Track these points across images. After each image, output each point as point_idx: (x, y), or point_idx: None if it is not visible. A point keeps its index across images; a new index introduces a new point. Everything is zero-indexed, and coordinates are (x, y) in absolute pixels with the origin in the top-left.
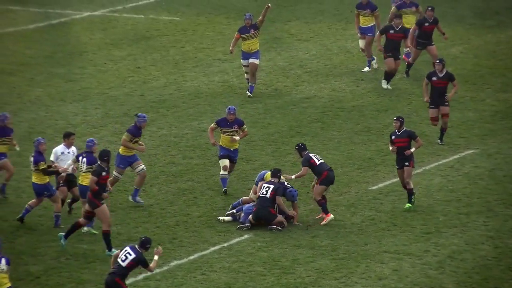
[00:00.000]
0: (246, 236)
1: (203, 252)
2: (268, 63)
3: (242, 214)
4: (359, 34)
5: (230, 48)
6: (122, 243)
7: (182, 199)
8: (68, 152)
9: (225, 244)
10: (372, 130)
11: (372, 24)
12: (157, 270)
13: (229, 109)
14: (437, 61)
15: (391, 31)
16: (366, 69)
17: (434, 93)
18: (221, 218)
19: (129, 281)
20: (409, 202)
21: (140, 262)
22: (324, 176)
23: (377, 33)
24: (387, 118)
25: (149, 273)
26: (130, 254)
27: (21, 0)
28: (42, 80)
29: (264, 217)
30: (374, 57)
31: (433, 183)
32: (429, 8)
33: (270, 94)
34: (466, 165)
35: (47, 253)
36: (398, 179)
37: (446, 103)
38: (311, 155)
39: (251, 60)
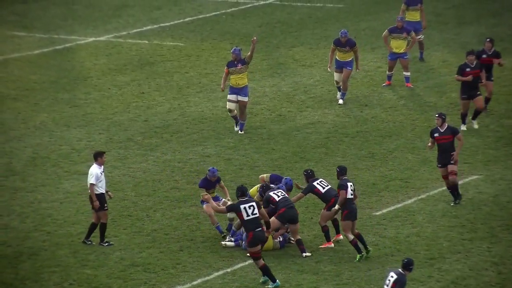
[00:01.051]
0: (249, 261)
1: (207, 278)
2: (272, 88)
3: (243, 242)
4: (329, 70)
5: (221, 86)
6: (125, 268)
7: (186, 224)
8: (103, 172)
9: (229, 270)
10: (376, 156)
11: (351, 59)
12: None
13: (287, 182)
14: (436, 115)
15: (467, 69)
16: (341, 101)
17: (440, 151)
18: (223, 243)
19: None
20: (358, 252)
21: (400, 283)
22: (332, 202)
23: (456, 75)
24: (391, 144)
25: None
26: (392, 277)
27: (26, 25)
28: (47, 105)
29: (295, 217)
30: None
31: (437, 208)
32: (488, 40)
33: (274, 119)
34: (470, 190)
35: (51, 278)
36: (401, 205)
37: (452, 162)
38: (315, 183)
39: (239, 98)
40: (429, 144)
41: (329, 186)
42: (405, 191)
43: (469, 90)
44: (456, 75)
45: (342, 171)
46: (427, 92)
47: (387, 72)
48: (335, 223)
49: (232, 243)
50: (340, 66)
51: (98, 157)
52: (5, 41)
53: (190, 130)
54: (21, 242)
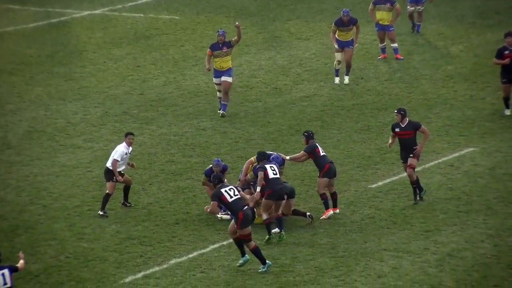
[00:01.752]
0: None
1: (203, 250)
2: (268, 61)
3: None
4: (336, 47)
5: (207, 67)
6: (121, 241)
7: (181, 198)
8: (130, 152)
9: (225, 243)
10: (371, 129)
11: (351, 38)
12: (157, 268)
13: (277, 158)
14: (395, 111)
15: (506, 52)
16: (346, 80)
17: (401, 146)
18: (219, 216)
19: (128, 279)
20: (268, 233)
21: None
22: (327, 169)
23: (494, 59)
24: (387, 117)
25: (148, 271)
26: None
27: None
28: (42, 79)
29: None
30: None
31: (432, 181)
32: None
33: (269, 92)
34: (465, 163)
35: (47, 251)
36: (397, 177)
37: (412, 156)
38: (317, 144)
39: (223, 78)
40: (389, 141)
41: (325, 153)
42: (400, 163)
43: (509, 73)
44: (494, 59)
45: (260, 157)
46: (423, 65)
47: (379, 45)
48: (334, 197)
49: (227, 216)
50: (342, 46)
51: (125, 136)
52: (0, 15)
53: (185, 103)
54: (17, 216)
